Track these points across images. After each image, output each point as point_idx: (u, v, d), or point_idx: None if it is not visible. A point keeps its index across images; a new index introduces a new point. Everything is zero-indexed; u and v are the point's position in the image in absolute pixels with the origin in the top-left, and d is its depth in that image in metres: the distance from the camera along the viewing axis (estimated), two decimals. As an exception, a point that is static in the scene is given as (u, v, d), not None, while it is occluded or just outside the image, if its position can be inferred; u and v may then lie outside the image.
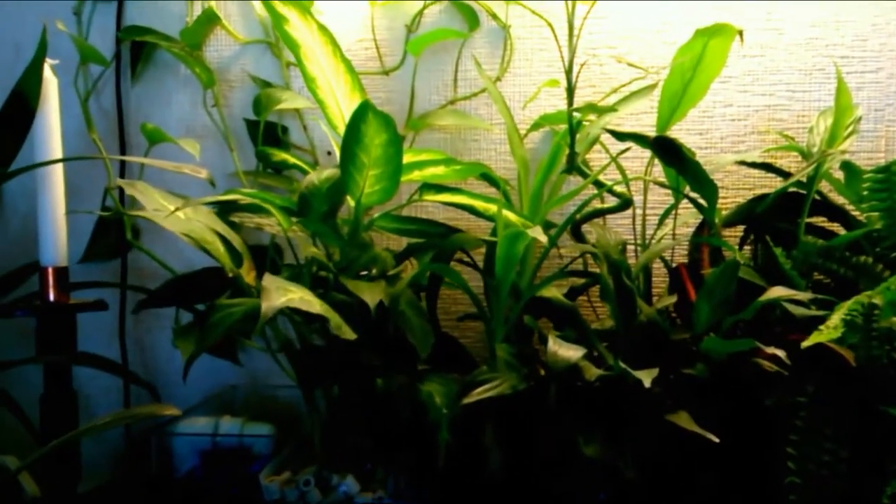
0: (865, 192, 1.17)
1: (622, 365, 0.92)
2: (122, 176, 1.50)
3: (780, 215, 1.27)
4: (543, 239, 0.99)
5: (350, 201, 1.10)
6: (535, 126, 1.41)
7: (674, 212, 1.32)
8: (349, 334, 0.89)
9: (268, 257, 1.33)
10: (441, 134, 1.48)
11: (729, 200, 1.43)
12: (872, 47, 1.40)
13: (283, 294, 0.84)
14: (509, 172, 1.41)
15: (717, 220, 1.23)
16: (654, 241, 1.31)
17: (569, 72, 1.17)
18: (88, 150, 1.47)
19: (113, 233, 1.45)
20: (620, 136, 1.13)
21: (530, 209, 1.23)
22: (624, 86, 1.36)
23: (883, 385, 0.88)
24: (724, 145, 1.44)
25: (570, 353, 0.90)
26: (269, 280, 0.87)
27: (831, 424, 0.86)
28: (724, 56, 1.22)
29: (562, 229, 1.22)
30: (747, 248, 1.34)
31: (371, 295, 0.92)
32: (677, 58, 1.22)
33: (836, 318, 0.88)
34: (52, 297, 1.23)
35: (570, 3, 1.16)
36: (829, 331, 0.86)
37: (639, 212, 1.35)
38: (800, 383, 0.90)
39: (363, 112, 0.97)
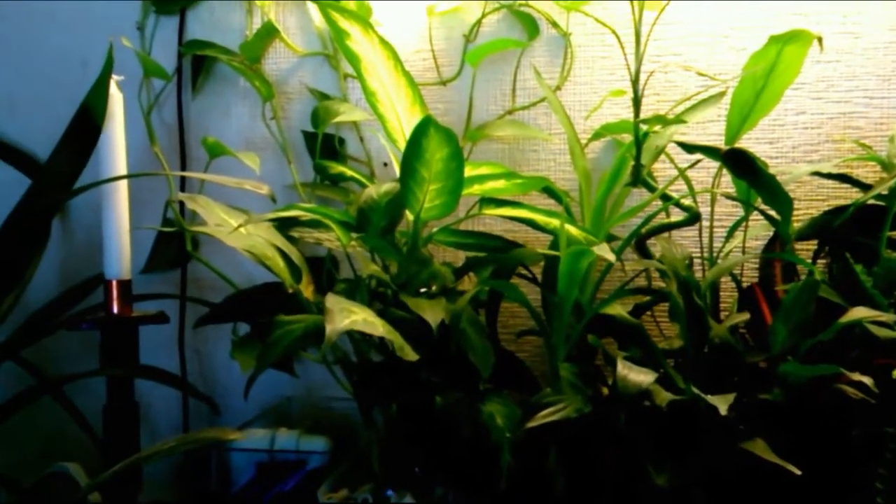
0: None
1: (694, 389, 0.88)
2: (182, 188, 1.52)
3: (858, 229, 1.20)
4: (611, 258, 0.96)
5: (409, 216, 1.09)
6: (597, 136, 1.37)
7: (743, 225, 1.26)
8: (411, 355, 0.87)
9: (324, 270, 1.33)
10: (499, 145, 1.46)
11: (801, 213, 1.36)
12: (959, 50, 1.32)
13: (346, 316, 0.83)
14: (569, 184, 1.38)
15: (790, 234, 1.18)
16: (722, 256, 1.26)
17: (635, 81, 1.13)
18: (151, 163, 1.50)
19: (174, 245, 1.47)
20: (690, 148, 1.08)
21: (593, 223, 1.19)
22: (692, 96, 1.31)
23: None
24: (796, 155, 1.38)
25: (642, 377, 0.87)
26: (332, 301, 0.86)
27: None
28: (800, 63, 1.16)
29: (626, 243, 1.18)
30: (821, 262, 1.28)
31: (433, 313, 0.90)
32: (749, 65, 1.17)
33: (930, 344, 0.82)
34: (115, 310, 1.25)
35: (636, 6, 1.11)
36: (922, 358, 0.81)
37: (706, 224, 1.30)
38: (889, 413, 0.84)
39: (425, 127, 0.95)
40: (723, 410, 0.82)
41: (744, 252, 1.28)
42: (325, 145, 1.40)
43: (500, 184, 1.11)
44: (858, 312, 0.98)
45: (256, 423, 1.31)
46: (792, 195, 1.39)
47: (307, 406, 1.40)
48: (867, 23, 1.34)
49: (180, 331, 1.52)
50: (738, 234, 1.28)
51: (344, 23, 1.02)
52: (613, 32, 1.21)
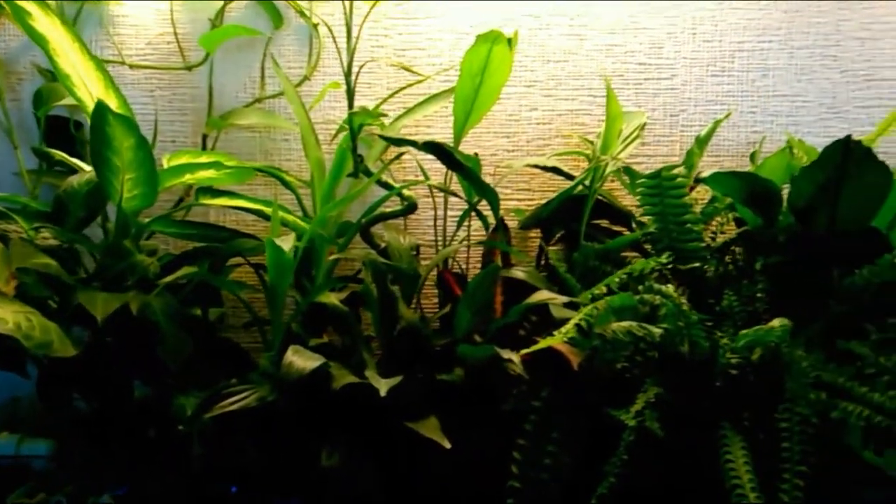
0: (640, 197, 1.21)
1: (367, 373, 0.92)
2: None
3: (567, 218, 1.31)
4: (286, 247, 0.97)
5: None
6: (342, 129, 1.40)
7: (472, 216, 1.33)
8: (66, 352, 0.85)
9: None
10: (249, 133, 1.44)
11: (536, 202, 1.46)
12: (668, 55, 1.45)
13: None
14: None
15: (498, 222, 1.25)
16: (451, 245, 1.33)
17: (348, 74, 1.16)
18: None
19: None
20: (393, 140, 1.12)
21: (322, 211, 1.21)
22: (403, 88, 1.35)
23: (612, 389, 0.91)
24: (531, 148, 1.47)
25: (308, 363, 0.90)
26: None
27: (559, 429, 0.89)
28: (509, 62, 1.23)
29: (353, 233, 1.21)
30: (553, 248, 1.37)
31: (104, 306, 0.89)
32: (465, 63, 1.23)
33: (570, 323, 0.91)
34: None
35: (347, 4, 1.13)
36: (559, 335, 0.89)
37: (441, 214, 1.36)
38: (537, 388, 0.92)
39: (103, 115, 0.93)
40: (383, 392, 0.87)
41: (469, 241, 1.35)
42: (56, 129, 1.33)
43: (211, 173, 1.10)
44: (540, 295, 1.07)
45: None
46: (527, 186, 1.51)
47: (36, 406, 1.33)
48: (591, 25, 1.44)
49: None
50: (479, 224, 1.35)
51: (23, 1, 0.97)
52: (327, 26, 1.23)
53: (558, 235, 1.37)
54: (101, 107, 0.92)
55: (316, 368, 0.89)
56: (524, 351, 0.89)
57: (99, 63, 1.05)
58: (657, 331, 0.92)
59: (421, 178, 1.35)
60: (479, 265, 1.36)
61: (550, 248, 1.35)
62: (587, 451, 0.89)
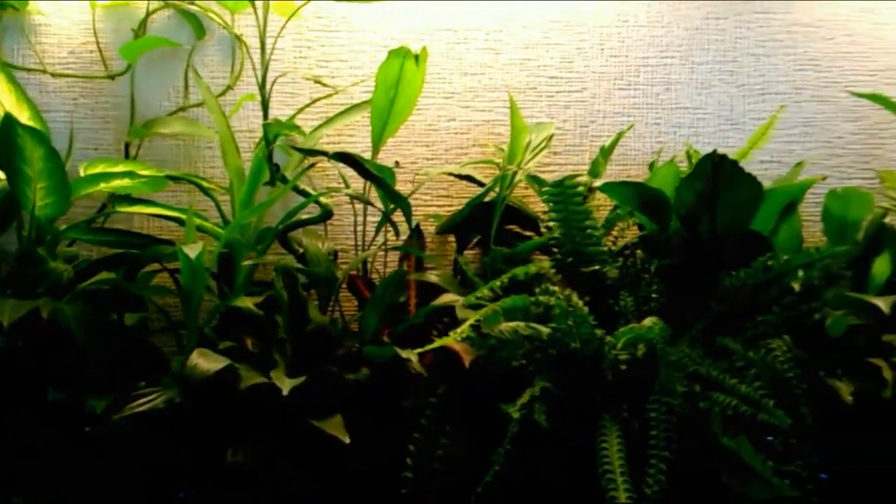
0: (545, 204, 1.29)
1: (274, 374, 0.96)
2: None
3: (481, 224, 1.37)
4: (192, 254, 1.01)
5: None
6: (274, 138, 1.43)
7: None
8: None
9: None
10: (173, 141, 1.47)
11: (454, 208, 1.51)
12: (578, 69, 1.53)
13: None
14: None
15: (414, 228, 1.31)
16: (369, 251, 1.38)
17: (262, 86, 1.21)
18: None
19: None
20: (305, 151, 1.17)
21: (238, 218, 1.25)
22: (318, 100, 1.40)
23: (508, 385, 0.98)
24: (449, 157, 1.53)
25: (212, 364, 0.94)
26: None
27: (452, 423, 0.95)
28: (422, 75, 1.29)
29: (269, 241, 1.26)
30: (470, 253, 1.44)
31: (11, 312, 0.92)
32: (380, 76, 1.28)
33: (465, 324, 0.97)
34: None
35: (260, 15, 1.18)
36: (454, 335, 0.95)
37: (360, 220, 1.41)
38: (434, 385, 0.98)
39: (12, 126, 0.96)
40: (285, 391, 0.92)
41: (386, 247, 1.40)
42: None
43: (126, 181, 1.13)
44: (445, 298, 1.13)
45: None
46: (445, 193, 1.58)
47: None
48: (506, 41, 1.52)
49: None
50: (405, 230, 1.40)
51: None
52: (240, 40, 1.27)
53: (475, 240, 1.44)
54: (9, 119, 0.95)
55: (221, 370, 0.93)
56: (419, 350, 0.95)
57: (10, 75, 1.08)
58: (545, 330, 0.98)
59: (343, 186, 1.41)
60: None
61: (467, 252, 1.42)
62: (481, 444, 0.95)
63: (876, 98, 1.44)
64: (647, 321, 0.99)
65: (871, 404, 1.05)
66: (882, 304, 1.05)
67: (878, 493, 1.09)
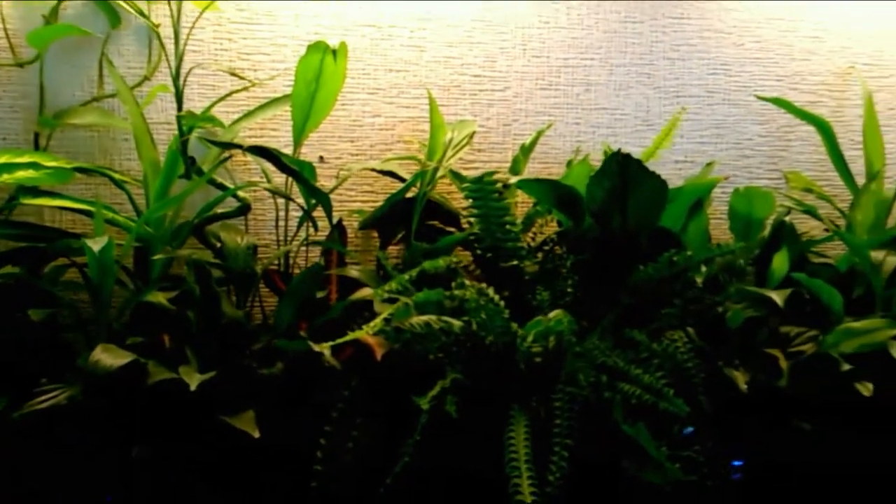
0: (466, 200, 1.30)
1: (183, 369, 0.95)
2: None
3: (403, 220, 1.38)
4: (96, 248, 0.99)
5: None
6: (189, 129, 1.41)
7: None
8: None
9: None
10: (88, 132, 1.43)
11: (379, 204, 1.52)
12: (501, 68, 1.56)
13: None
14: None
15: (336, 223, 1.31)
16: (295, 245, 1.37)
17: (176, 77, 1.18)
18: None
19: None
20: (219, 143, 1.16)
21: (149, 211, 1.22)
22: (233, 92, 1.38)
23: (422, 379, 0.99)
24: (374, 152, 1.53)
25: (116, 360, 0.92)
26: None
27: (363, 416, 0.96)
28: (342, 70, 1.29)
29: (185, 235, 1.24)
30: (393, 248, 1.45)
31: None
32: (300, 71, 1.28)
33: (379, 318, 0.98)
34: None
35: (174, 6, 1.16)
36: (367, 328, 0.96)
37: (283, 214, 1.41)
38: (347, 378, 0.98)
39: None
40: (193, 386, 0.91)
41: (308, 242, 1.39)
42: None
43: (30, 173, 1.10)
44: (362, 292, 1.13)
45: None
46: (370, 188, 1.58)
47: None
48: (431, 38, 1.53)
49: None
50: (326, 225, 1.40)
51: None
52: (154, 30, 1.25)
53: (400, 236, 1.45)
54: None
55: (126, 365, 0.92)
56: (329, 343, 0.95)
57: None
58: (457, 323, 1.00)
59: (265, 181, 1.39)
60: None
61: (392, 247, 1.43)
62: (394, 436, 0.96)
63: (779, 102, 1.51)
64: (554, 314, 1.01)
65: (767, 392, 1.11)
66: (777, 297, 1.11)
67: (779, 479, 1.15)
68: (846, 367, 1.03)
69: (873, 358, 1.05)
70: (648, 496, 0.93)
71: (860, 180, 1.52)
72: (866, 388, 1.00)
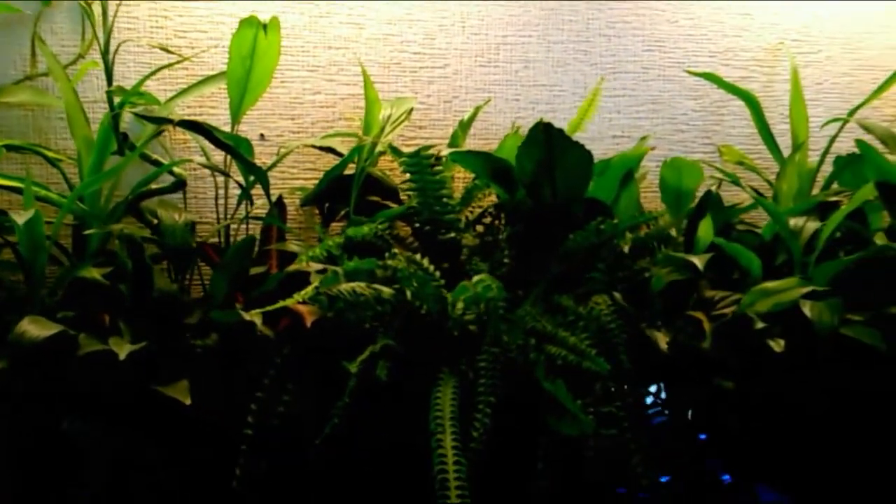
0: (405, 174, 1.32)
1: (111, 340, 0.96)
2: None
3: (343, 195, 1.40)
4: (20, 221, 0.99)
5: None
6: (127, 105, 1.40)
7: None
8: None
9: None
10: (21, 111, 1.41)
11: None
12: (440, 45, 1.58)
13: None
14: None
15: (276, 199, 1.32)
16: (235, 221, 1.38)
17: (105, 53, 1.18)
18: None
19: None
20: (150, 119, 1.16)
21: (80, 187, 1.22)
22: (162, 67, 1.38)
23: (356, 346, 1.01)
24: (315, 130, 1.54)
25: (43, 331, 0.92)
26: None
27: (294, 381, 0.98)
28: (277, 45, 1.30)
29: (120, 211, 1.24)
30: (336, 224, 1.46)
31: None
32: (233, 46, 1.28)
33: (310, 287, 1.00)
34: None
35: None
36: (298, 296, 0.97)
37: (222, 192, 1.41)
38: (281, 347, 1.00)
39: None
40: (122, 356, 0.92)
41: (248, 219, 1.40)
42: None
43: (-46, 150, 1.09)
44: (297, 265, 1.14)
45: None
46: (312, 166, 1.59)
47: None
48: (370, 16, 1.54)
49: None
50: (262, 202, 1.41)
51: None
52: (87, 7, 1.24)
53: (343, 212, 1.46)
54: None
55: (53, 336, 0.92)
56: (258, 310, 0.97)
57: None
58: (387, 290, 1.02)
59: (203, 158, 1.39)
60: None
61: (336, 224, 1.44)
62: (325, 402, 0.99)
63: (710, 77, 1.56)
64: (477, 278, 1.04)
65: (691, 354, 1.15)
66: (697, 261, 1.15)
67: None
68: (760, 325, 1.08)
69: (786, 315, 1.10)
70: (570, 453, 0.97)
71: (788, 153, 1.58)
72: (778, 345, 1.05)
